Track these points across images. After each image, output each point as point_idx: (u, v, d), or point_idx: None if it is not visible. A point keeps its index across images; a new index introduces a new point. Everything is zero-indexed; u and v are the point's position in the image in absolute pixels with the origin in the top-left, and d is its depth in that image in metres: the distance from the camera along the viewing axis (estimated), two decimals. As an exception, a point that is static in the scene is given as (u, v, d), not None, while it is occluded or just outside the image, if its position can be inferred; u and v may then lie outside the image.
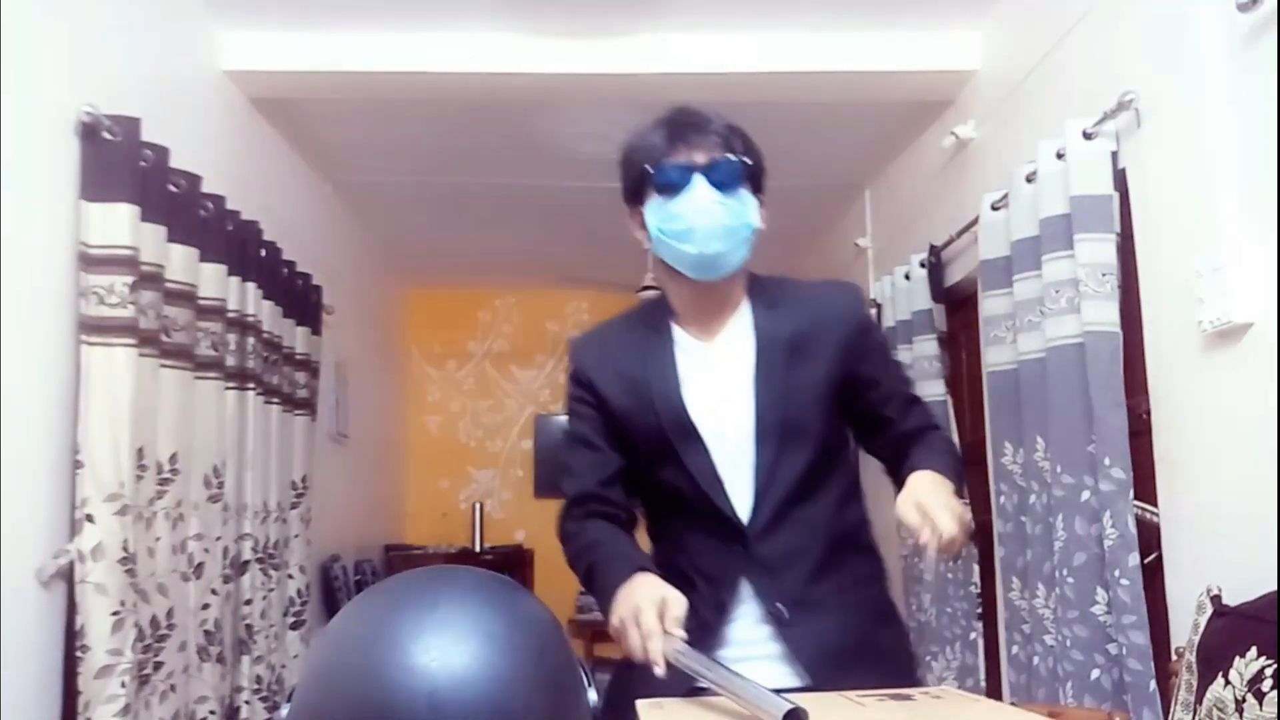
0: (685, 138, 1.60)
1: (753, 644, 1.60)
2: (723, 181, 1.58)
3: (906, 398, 1.74)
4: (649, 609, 1.38)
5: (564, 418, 1.81)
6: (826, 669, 1.53)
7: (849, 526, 1.71)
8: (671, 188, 1.59)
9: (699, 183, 1.57)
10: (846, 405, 1.69)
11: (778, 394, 1.61)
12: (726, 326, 1.68)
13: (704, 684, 1.31)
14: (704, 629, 1.57)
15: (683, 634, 1.37)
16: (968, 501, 1.57)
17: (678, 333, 1.70)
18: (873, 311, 4.65)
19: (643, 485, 1.72)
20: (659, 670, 1.34)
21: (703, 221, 1.57)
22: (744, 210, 1.61)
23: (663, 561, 1.64)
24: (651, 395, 1.65)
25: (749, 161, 1.62)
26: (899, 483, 1.56)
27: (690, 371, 1.66)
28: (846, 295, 1.74)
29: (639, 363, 1.68)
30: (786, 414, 1.61)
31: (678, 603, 1.40)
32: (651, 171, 1.61)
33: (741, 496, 1.61)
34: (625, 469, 1.70)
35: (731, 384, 1.64)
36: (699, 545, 1.64)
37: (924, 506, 1.38)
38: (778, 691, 1.22)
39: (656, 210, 1.62)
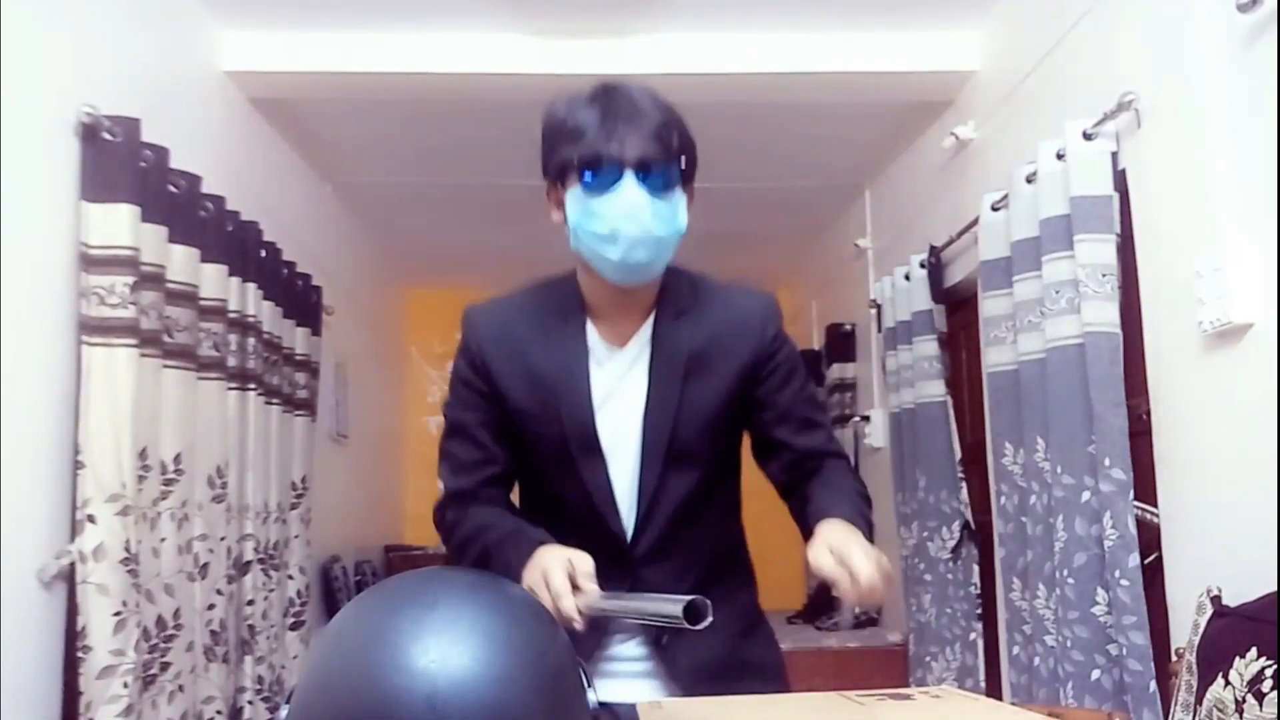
0: (616, 129, 1.42)
1: (629, 661, 1.57)
2: (654, 182, 1.43)
3: (804, 420, 1.60)
4: (556, 570, 1.34)
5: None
6: (698, 685, 1.50)
7: (728, 542, 1.67)
8: (597, 184, 1.43)
9: (628, 182, 1.42)
10: (742, 424, 1.61)
11: (667, 416, 1.52)
12: (638, 333, 1.56)
13: (615, 617, 1.38)
14: (579, 641, 1.52)
15: (594, 587, 1.33)
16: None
17: (591, 334, 1.57)
18: (872, 312, 4.66)
19: (528, 488, 1.64)
20: (577, 626, 1.32)
21: (629, 228, 1.42)
22: (674, 215, 1.46)
23: None
24: (559, 403, 1.53)
25: (684, 162, 1.47)
26: (804, 527, 1.48)
27: (599, 382, 1.55)
28: (758, 308, 1.60)
29: (548, 363, 1.55)
30: (674, 438, 1.52)
31: (584, 559, 1.36)
32: (576, 162, 1.44)
33: (630, 519, 1.55)
34: (510, 470, 1.61)
35: (631, 399, 1.54)
36: None
37: (840, 553, 1.28)
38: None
39: (578, 202, 1.45)
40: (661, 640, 1.55)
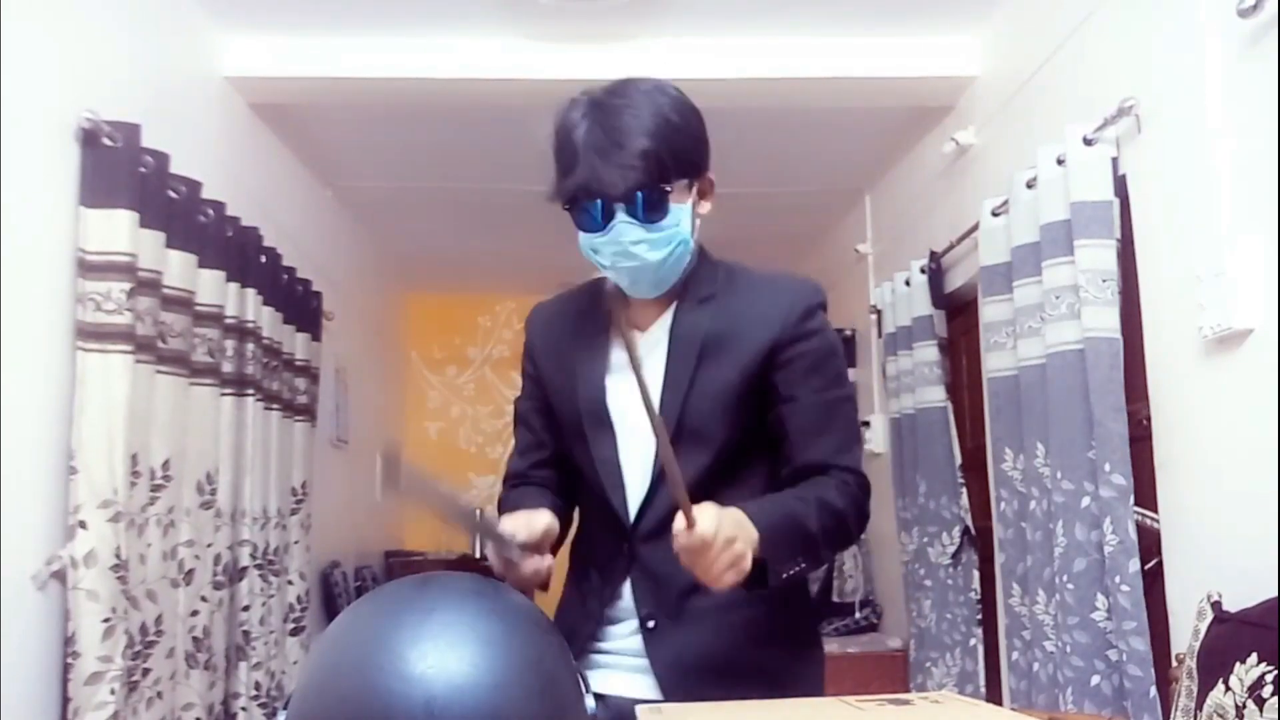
0: (597, 163, 1.41)
1: (624, 654, 1.56)
2: (647, 212, 1.43)
3: (821, 423, 1.52)
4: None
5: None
6: (681, 682, 1.47)
7: None
8: (589, 223, 1.45)
9: (619, 219, 1.43)
10: (762, 414, 1.54)
11: (677, 395, 1.51)
12: (660, 319, 1.57)
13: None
14: (589, 619, 1.57)
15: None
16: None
17: (620, 318, 1.59)
18: (873, 317, 4.66)
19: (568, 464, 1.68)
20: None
21: (626, 263, 1.46)
22: (674, 235, 1.46)
23: (575, 545, 1.66)
24: (575, 377, 1.59)
25: (681, 173, 1.46)
26: None
27: (620, 361, 1.57)
28: (788, 296, 1.56)
29: (576, 342, 1.61)
30: (684, 417, 1.50)
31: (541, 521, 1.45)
32: (565, 202, 1.46)
33: (637, 497, 1.54)
34: (561, 454, 1.66)
35: (648, 380, 1.49)
36: (597, 537, 1.60)
37: (707, 510, 1.30)
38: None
39: (579, 234, 1.48)
40: (649, 624, 1.53)
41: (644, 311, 1.59)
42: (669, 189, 1.45)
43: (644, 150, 1.42)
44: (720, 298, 1.56)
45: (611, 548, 1.55)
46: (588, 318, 1.63)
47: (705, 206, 1.55)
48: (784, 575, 1.40)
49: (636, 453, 1.55)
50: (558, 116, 1.50)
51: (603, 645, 1.58)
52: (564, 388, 1.61)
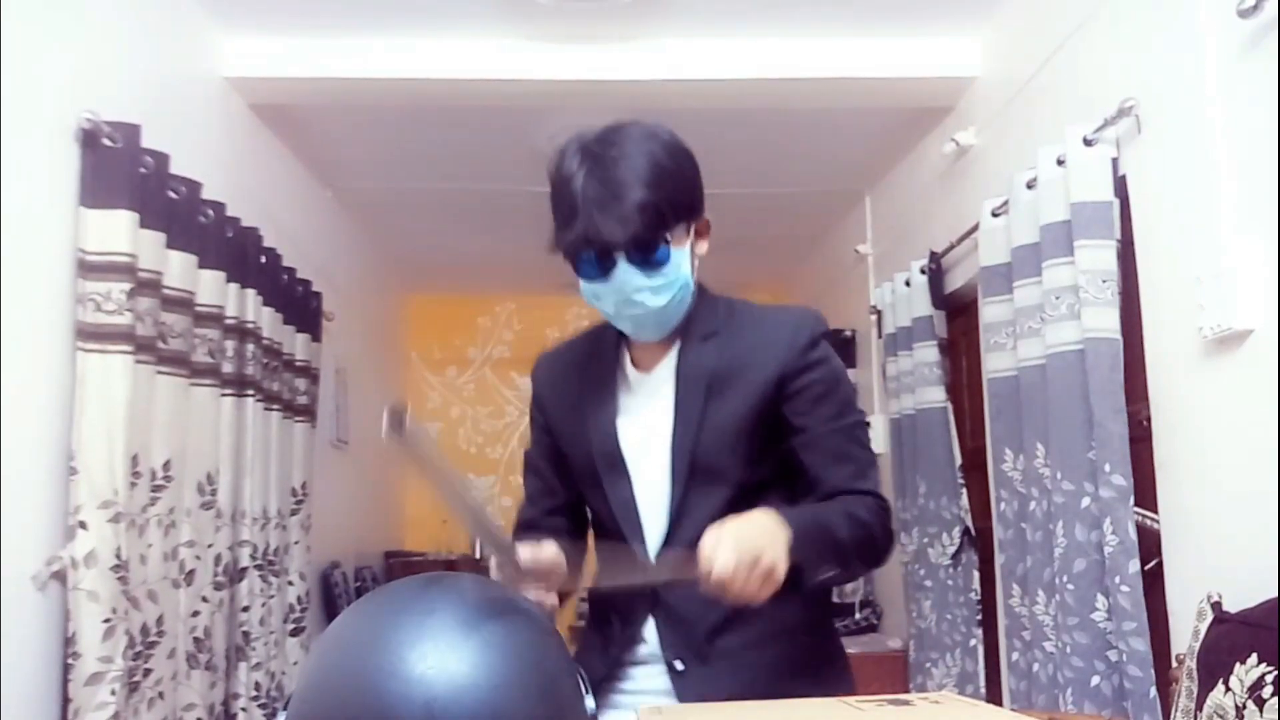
0: (595, 216, 1.42)
1: (651, 694, 1.54)
2: (647, 261, 1.45)
3: (834, 451, 1.52)
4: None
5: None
6: None
7: None
8: (590, 272, 1.47)
9: (620, 268, 1.44)
10: (777, 444, 1.54)
11: (690, 433, 1.52)
12: (665, 359, 1.59)
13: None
14: (612, 664, 1.56)
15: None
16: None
17: (626, 360, 1.62)
18: (872, 318, 4.65)
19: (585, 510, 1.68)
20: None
21: (630, 311, 1.48)
22: (675, 280, 1.48)
23: (593, 592, 1.64)
24: (586, 422, 1.59)
25: (668, 232, 1.46)
26: None
27: (627, 403, 1.60)
28: (790, 328, 1.56)
29: (584, 386, 1.62)
30: (697, 454, 1.51)
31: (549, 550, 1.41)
32: (566, 252, 1.47)
33: (655, 537, 1.54)
34: (572, 501, 1.66)
35: (656, 420, 1.56)
36: None
37: (722, 539, 1.28)
38: None
39: (581, 281, 1.49)
40: (680, 671, 1.52)
41: (647, 352, 1.60)
42: (668, 236, 1.46)
43: (641, 202, 1.42)
44: (723, 333, 1.57)
45: (634, 592, 1.53)
46: (593, 363, 1.64)
47: (703, 247, 1.57)
48: (817, 578, 1.40)
49: (652, 494, 1.55)
50: (552, 166, 1.51)
51: (627, 687, 1.57)
52: (576, 434, 1.61)
